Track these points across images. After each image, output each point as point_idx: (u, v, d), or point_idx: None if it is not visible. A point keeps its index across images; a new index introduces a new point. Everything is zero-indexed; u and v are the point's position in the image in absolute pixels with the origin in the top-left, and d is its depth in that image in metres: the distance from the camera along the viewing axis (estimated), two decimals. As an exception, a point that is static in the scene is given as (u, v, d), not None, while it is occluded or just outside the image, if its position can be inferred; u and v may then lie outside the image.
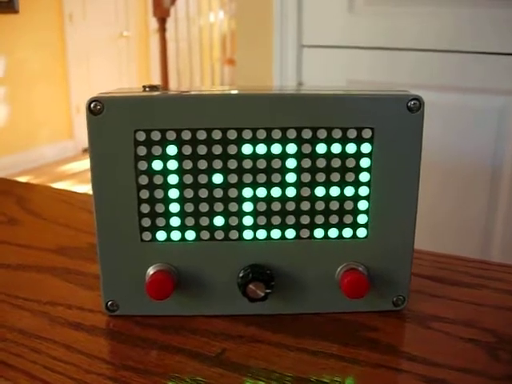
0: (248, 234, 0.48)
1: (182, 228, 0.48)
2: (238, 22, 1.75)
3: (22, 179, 3.37)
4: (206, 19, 4.60)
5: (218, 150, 0.46)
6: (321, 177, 0.47)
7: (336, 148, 0.46)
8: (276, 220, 0.48)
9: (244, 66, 1.74)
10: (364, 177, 0.47)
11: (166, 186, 0.47)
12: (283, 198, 0.47)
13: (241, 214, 0.48)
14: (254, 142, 0.46)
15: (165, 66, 3.71)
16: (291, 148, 0.46)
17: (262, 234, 0.48)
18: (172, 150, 0.46)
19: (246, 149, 0.46)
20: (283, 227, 0.48)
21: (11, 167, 3.80)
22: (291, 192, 0.47)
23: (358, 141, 0.46)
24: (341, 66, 1.49)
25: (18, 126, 3.96)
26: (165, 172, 0.47)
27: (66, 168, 4.05)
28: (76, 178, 3.77)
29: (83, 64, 4.40)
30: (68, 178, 3.81)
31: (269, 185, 0.47)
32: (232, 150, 0.46)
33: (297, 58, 1.54)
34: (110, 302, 0.50)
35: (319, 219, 0.48)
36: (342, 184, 0.47)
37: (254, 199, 0.47)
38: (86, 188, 2.94)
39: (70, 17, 4.25)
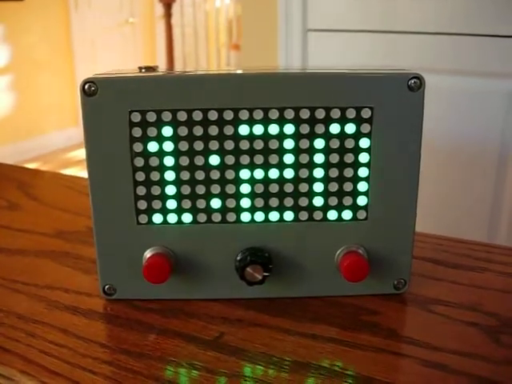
0: (246, 217, 0.47)
1: (179, 211, 0.47)
2: (243, 7, 1.74)
3: (29, 166, 3.38)
4: (211, 4, 4.58)
5: (214, 130, 0.45)
6: (319, 158, 0.46)
7: (335, 128, 0.45)
8: (274, 202, 0.47)
9: (250, 51, 1.73)
10: (363, 157, 0.46)
11: (162, 168, 0.46)
12: (281, 180, 0.47)
13: (238, 196, 0.47)
14: (251, 122, 0.45)
15: (170, 52, 3.70)
16: (289, 128, 0.45)
17: (259, 216, 0.48)
18: (168, 131, 0.45)
19: (243, 129, 0.45)
20: (281, 209, 0.47)
21: (17, 154, 3.81)
22: (289, 173, 0.46)
23: (358, 121, 0.45)
24: (346, 50, 1.47)
25: (25, 114, 3.96)
26: (160, 154, 0.46)
27: (72, 155, 4.05)
28: (82, 164, 3.76)
29: (89, 51, 4.39)
30: (74, 164, 3.82)
31: (266, 166, 0.46)
32: (228, 130, 0.45)
33: (302, 42, 1.53)
34: (107, 286, 0.49)
35: (318, 201, 0.47)
36: (341, 165, 0.46)
37: (252, 181, 0.47)
38: (92, 175, 2.92)
39: (75, 4, 4.24)
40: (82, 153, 4.02)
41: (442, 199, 1.38)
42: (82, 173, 3.41)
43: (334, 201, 0.47)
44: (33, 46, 3.96)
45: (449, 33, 1.32)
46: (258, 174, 0.46)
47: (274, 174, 0.46)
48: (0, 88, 3.78)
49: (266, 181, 0.47)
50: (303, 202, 0.47)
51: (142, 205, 0.47)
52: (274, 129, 0.45)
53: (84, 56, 4.36)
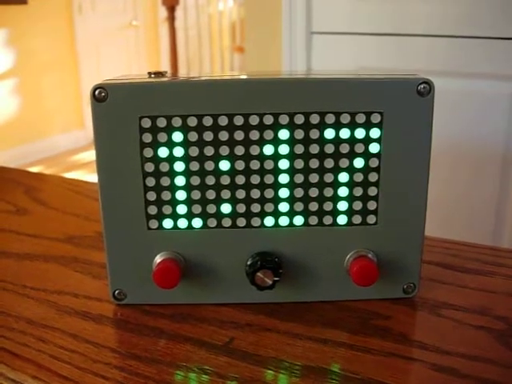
0: (256, 221, 0.48)
1: (189, 216, 0.47)
2: (247, 10, 1.74)
3: (34, 169, 3.38)
4: (215, 7, 4.58)
5: (224, 136, 0.45)
6: (329, 163, 0.46)
7: (344, 133, 0.46)
8: (284, 207, 0.47)
9: (253, 54, 1.73)
10: (373, 162, 0.46)
11: (172, 173, 0.46)
12: (291, 185, 0.47)
13: (248, 200, 0.47)
14: (261, 127, 0.45)
15: (174, 55, 3.70)
16: (299, 133, 0.45)
17: (269, 221, 0.48)
18: (178, 136, 0.45)
19: (253, 135, 0.45)
20: (291, 214, 0.47)
21: (23, 158, 3.81)
22: (299, 179, 0.46)
23: (367, 125, 0.45)
24: (350, 53, 1.47)
25: (29, 117, 3.96)
26: (171, 159, 0.46)
27: (77, 158, 4.05)
28: (87, 167, 3.78)
29: (93, 54, 4.39)
30: (80, 167, 3.82)
31: (276, 171, 0.46)
32: (238, 136, 0.45)
33: (306, 44, 1.53)
34: (117, 291, 0.49)
35: (328, 206, 0.47)
36: (351, 170, 0.46)
37: (262, 186, 0.47)
38: (97, 178, 2.91)
39: (79, 7, 4.24)
40: (87, 155, 4.02)
41: (447, 202, 1.38)
42: (88, 176, 3.42)
43: (343, 205, 0.47)
44: (37, 50, 3.96)
45: (450, 35, 1.32)
46: (268, 179, 0.46)
47: (284, 179, 0.46)
48: (5, 91, 3.78)
49: (276, 186, 0.47)
50: (313, 206, 0.47)
51: (153, 210, 0.47)
52: (283, 134, 0.45)
53: (88, 59, 4.36)
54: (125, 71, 4.43)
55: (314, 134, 0.45)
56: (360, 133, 0.46)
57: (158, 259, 0.48)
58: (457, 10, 1.30)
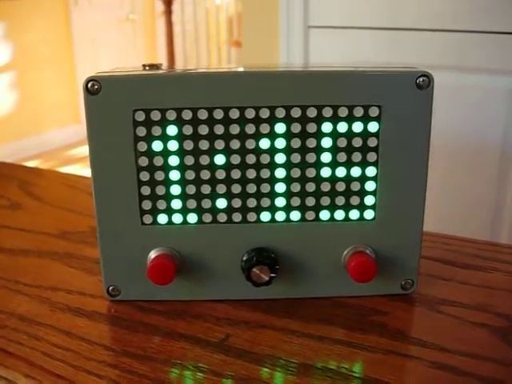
0: (252, 217, 0.47)
1: (184, 211, 0.47)
2: (244, 4, 1.73)
3: (31, 164, 3.37)
4: (212, 1, 4.56)
5: (219, 129, 0.45)
6: (326, 157, 0.45)
7: (342, 127, 0.45)
8: (280, 202, 0.46)
9: (250, 48, 1.72)
10: (371, 157, 0.46)
11: (167, 168, 0.45)
12: (287, 179, 0.46)
13: (244, 195, 0.46)
14: (257, 121, 0.44)
15: (171, 49, 3.69)
16: (296, 127, 0.45)
17: (266, 216, 0.47)
18: (172, 130, 0.45)
19: (249, 128, 0.45)
20: (288, 209, 0.47)
21: (19, 152, 3.80)
22: (296, 173, 0.46)
23: (365, 119, 0.45)
24: (348, 47, 1.46)
25: (26, 111, 3.95)
26: (165, 153, 0.45)
27: (74, 152, 4.04)
28: (84, 161, 3.76)
29: (90, 48, 4.38)
30: (76, 161, 3.81)
31: (273, 165, 0.45)
32: (234, 129, 0.45)
33: (303, 39, 1.52)
34: (111, 287, 0.49)
35: (325, 201, 0.47)
36: (349, 164, 0.46)
37: (258, 180, 0.46)
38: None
39: (75, 0, 4.22)
40: (83, 150, 4.01)
41: (444, 198, 1.38)
42: (84, 170, 3.41)
43: (341, 200, 0.47)
44: (33, 44, 3.94)
45: (449, 29, 1.31)
46: (264, 173, 0.46)
47: (280, 173, 0.46)
48: (1, 86, 3.77)
49: (273, 180, 0.46)
50: (310, 201, 0.47)
51: (147, 205, 0.46)
52: (280, 127, 0.45)
53: (84, 53, 4.34)
54: (122, 65, 4.41)
55: (311, 127, 0.45)
56: (358, 126, 0.45)
57: (153, 255, 0.47)
58: (455, 4, 1.29)
